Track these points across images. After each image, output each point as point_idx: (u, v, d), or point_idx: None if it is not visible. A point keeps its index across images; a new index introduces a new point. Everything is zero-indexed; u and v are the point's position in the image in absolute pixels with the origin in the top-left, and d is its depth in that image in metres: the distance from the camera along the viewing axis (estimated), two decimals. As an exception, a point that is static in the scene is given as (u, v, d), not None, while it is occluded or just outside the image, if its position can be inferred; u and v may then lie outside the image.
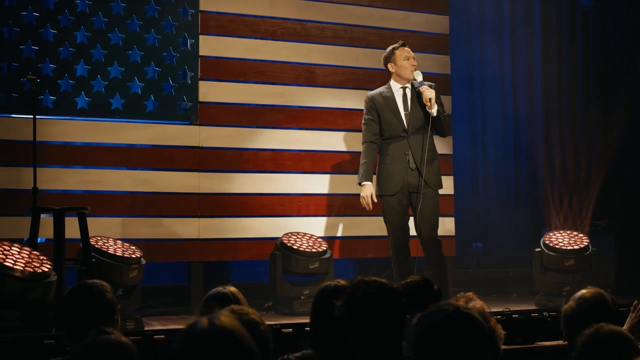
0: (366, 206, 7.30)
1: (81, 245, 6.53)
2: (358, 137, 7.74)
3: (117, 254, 6.98)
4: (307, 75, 8.95)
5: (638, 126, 10.56)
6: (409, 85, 7.39)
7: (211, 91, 8.51)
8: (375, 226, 9.05)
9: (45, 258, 5.80)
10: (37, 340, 4.95)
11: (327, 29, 9.08)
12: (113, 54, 8.08)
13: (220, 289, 4.00)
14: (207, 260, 8.42)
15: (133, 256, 7.07)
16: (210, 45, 8.53)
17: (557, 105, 11.06)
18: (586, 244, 8.57)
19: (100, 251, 6.89)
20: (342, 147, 8.92)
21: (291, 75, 8.85)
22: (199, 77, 8.42)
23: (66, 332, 3.86)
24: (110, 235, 7.36)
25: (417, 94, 7.31)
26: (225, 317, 2.13)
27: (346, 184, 8.66)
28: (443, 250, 7.33)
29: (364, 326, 3.24)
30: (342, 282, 3.95)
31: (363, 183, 7.30)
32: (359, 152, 7.48)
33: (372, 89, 7.61)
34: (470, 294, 3.78)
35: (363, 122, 7.44)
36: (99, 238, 7.08)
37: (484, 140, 11.19)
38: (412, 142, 7.22)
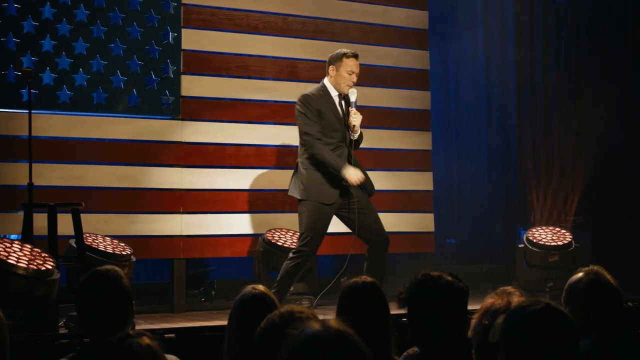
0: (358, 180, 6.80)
1: (75, 242, 6.37)
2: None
3: (108, 251, 6.84)
4: (290, 70, 8.87)
5: (615, 122, 10.64)
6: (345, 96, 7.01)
7: (194, 85, 8.37)
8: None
9: (47, 255, 5.63)
10: (49, 340, 4.81)
11: (308, 23, 9.00)
12: (95, 47, 7.89)
13: (251, 290, 3.77)
14: (189, 257, 8.29)
15: (123, 253, 6.94)
16: (193, 39, 8.40)
17: (530, 103, 11.13)
18: (569, 239, 8.59)
19: (90, 248, 6.72)
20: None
21: (274, 70, 8.75)
22: (182, 71, 8.29)
23: (82, 320, 3.72)
24: (91, 232, 7.20)
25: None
26: (335, 322, 2.08)
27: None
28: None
29: (427, 321, 3.22)
30: (369, 279, 3.90)
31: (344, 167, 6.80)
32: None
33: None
34: (509, 288, 3.74)
35: (303, 119, 6.94)
36: (88, 235, 6.91)
37: (458, 136, 11.23)
38: (346, 154, 6.90)
